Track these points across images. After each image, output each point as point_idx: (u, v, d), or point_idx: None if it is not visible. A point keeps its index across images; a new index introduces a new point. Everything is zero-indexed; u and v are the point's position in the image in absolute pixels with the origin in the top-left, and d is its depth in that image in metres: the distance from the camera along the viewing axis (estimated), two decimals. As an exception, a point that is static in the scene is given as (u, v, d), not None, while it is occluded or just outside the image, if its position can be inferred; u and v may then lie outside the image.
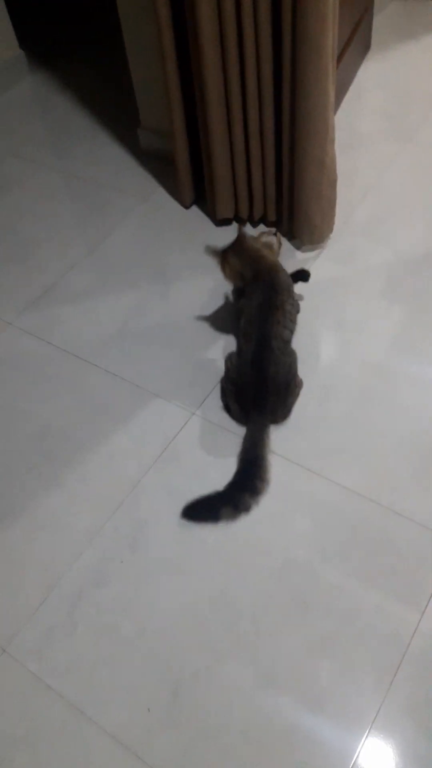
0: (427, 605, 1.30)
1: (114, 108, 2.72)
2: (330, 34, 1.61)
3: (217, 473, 1.52)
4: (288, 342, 1.62)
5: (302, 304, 1.78)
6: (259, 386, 1.54)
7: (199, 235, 2.15)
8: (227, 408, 1.64)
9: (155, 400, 1.70)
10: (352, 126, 2.47)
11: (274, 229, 1.92)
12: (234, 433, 1.60)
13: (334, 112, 2.45)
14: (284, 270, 1.71)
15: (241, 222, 2.15)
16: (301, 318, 1.74)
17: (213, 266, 1.75)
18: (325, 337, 1.80)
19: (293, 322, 1.65)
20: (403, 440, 1.56)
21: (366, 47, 2.81)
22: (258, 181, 2.02)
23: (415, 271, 1.93)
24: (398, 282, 1.91)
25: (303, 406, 1.64)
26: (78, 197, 2.36)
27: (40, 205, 2.35)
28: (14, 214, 2.33)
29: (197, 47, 1.73)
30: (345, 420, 1.61)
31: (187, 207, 2.25)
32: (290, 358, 1.61)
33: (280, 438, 1.58)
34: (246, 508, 1.44)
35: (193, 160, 2.13)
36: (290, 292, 1.67)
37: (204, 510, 1.46)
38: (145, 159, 2.45)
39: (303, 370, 1.65)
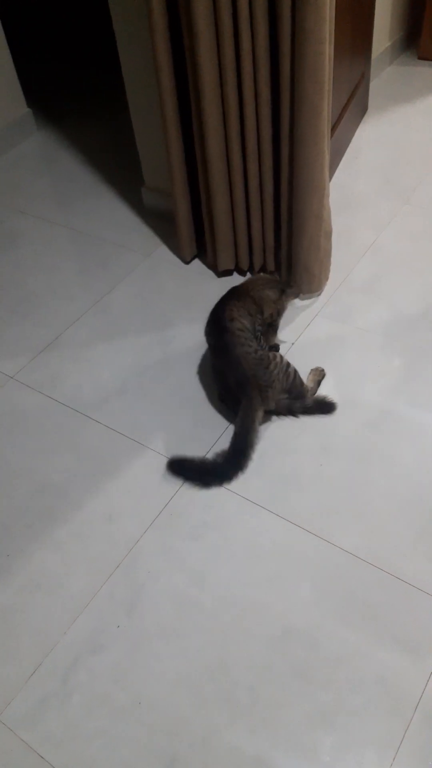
0: (430, 677, 1.27)
1: (119, 166, 2.80)
2: (326, 98, 1.66)
3: (216, 533, 1.51)
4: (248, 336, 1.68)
5: (300, 363, 1.80)
6: (232, 371, 1.64)
7: (201, 288, 2.19)
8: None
9: (154, 457, 1.70)
10: (350, 186, 2.54)
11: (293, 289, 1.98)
12: (234, 493, 1.59)
13: (333, 172, 2.56)
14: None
15: (241, 272, 2.20)
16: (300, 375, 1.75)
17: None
18: (323, 394, 1.81)
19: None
20: (404, 500, 1.55)
21: (363, 110, 2.91)
22: (257, 233, 2.07)
23: (413, 328, 1.95)
24: (396, 338, 1.93)
25: (302, 465, 1.63)
26: (82, 253, 2.41)
27: (44, 259, 2.40)
28: (19, 268, 2.37)
29: (199, 111, 1.79)
30: (345, 479, 1.61)
31: (187, 262, 2.29)
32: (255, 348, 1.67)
33: (279, 498, 1.57)
34: (228, 481, 1.61)
35: (193, 216, 2.18)
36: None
37: (189, 472, 1.65)
38: (148, 216, 2.51)
39: (302, 428, 1.65)
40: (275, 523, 1.53)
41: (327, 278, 2.11)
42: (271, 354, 1.68)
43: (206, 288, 2.19)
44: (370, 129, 2.87)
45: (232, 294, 1.80)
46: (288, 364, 1.69)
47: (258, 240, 2.09)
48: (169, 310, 2.14)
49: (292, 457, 1.67)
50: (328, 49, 1.60)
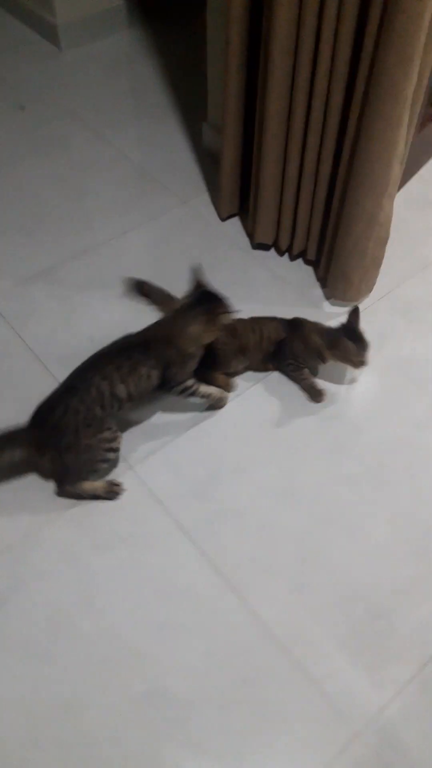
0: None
1: (191, 91, 2.46)
2: (412, 80, 1.32)
3: (127, 552, 1.31)
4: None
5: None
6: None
7: (228, 255, 1.91)
8: None
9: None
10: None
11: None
12: (167, 512, 1.37)
13: (422, 164, 2.16)
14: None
15: (279, 251, 1.90)
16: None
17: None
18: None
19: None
20: (351, 588, 1.30)
21: None
22: (305, 215, 1.76)
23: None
24: (421, 383, 1.62)
25: (256, 504, 1.40)
26: (118, 180, 2.14)
27: (77, 177, 2.14)
28: (48, 179, 2.12)
29: (267, 53, 1.47)
30: (297, 537, 1.36)
31: (223, 219, 2.00)
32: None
33: (215, 534, 1.34)
34: None
35: (241, 171, 1.88)
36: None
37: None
38: (203, 157, 2.20)
39: (276, 456, 1.40)
40: (197, 564, 1.31)
41: (369, 289, 1.79)
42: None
43: (234, 258, 1.90)
44: None
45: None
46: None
47: (304, 222, 1.78)
48: (184, 272, 1.86)
49: (249, 490, 1.43)
50: (424, 24, 1.23)
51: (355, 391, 1.61)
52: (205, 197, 2.08)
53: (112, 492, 1.41)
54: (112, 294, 1.78)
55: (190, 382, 1.45)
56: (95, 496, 1.40)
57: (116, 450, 1.39)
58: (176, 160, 2.20)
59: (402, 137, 1.42)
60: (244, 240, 1.96)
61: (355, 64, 1.38)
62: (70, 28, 2.61)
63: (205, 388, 1.49)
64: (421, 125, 1.94)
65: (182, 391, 1.44)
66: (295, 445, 1.51)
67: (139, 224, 1.99)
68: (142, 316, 1.49)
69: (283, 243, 1.86)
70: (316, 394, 1.57)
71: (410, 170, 2.11)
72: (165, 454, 1.48)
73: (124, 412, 1.41)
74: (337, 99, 1.46)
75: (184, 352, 1.40)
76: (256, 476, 1.45)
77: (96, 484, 1.41)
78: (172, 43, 2.73)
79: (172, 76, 2.56)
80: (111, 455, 1.38)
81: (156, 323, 1.46)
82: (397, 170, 1.49)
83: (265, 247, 1.94)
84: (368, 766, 1.10)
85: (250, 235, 1.93)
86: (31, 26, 2.73)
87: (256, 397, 1.59)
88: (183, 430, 1.52)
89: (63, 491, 1.40)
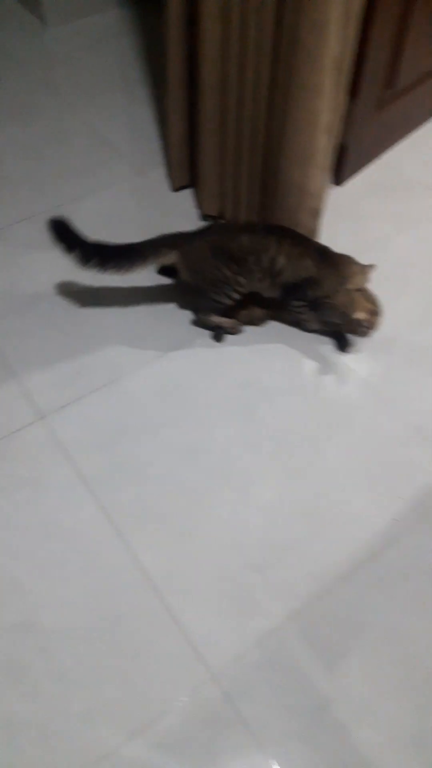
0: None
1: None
2: (328, 47, 1.33)
3: (23, 493, 1.36)
4: None
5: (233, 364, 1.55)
6: None
7: (176, 227, 1.93)
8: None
9: (17, 385, 1.54)
10: (402, 169, 2.15)
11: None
12: (69, 458, 1.42)
13: (391, 143, 2.17)
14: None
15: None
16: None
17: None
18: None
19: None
20: (232, 546, 1.33)
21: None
22: (245, 186, 1.78)
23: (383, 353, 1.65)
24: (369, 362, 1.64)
25: (160, 458, 1.43)
26: (80, 149, 2.18)
27: (37, 145, 2.19)
28: (8, 146, 2.18)
29: (199, 18, 1.50)
30: (194, 491, 1.40)
31: (175, 190, 2.04)
32: None
33: (113, 485, 1.39)
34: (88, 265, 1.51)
35: (191, 142, 1.91)
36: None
37: (69, 239, 1.52)
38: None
39: (184, 413, 1.44)
40: (89, 509, 1.36)
41: None
42: None
43: (183, 229, 1.93)
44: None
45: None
46: None
47: (245, 193, 1.80)
48: (130, 239, 1.91)
49: (153, 447, 1.47)
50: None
51: (270, 361, 1.64)
52: (162, 169, 2.12)
53: (235, 329, 1.65)
54: (55, 256, 1.83)
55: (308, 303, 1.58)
56: (220, 328, 1.64)
57: (233, 300, 1.57)
58: (141, 133, 2.25)
59: (325, 107, 1.44)
60: (195, 212, 2.00)
61: (280, 32, 1.40)
62: (57, 3, 2.67)
63: (310, 317, 1.64)
64: (378, 107, 1.95)
65: (300, 307, 1.60)
66: (208, 407, 1.54)
67: (93, 192, 2.04)
68: (80, 278, 1.54)
69: (228, 214, 1.89)
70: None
71: (369, 154, 2.12)
72: (79, 406, 1.53)
73: (257, 288, 1.56)
74: (266, 69, 1.48)
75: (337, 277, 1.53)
76: (164, 434, 1.49)
77: (223, 319, 1.63)
78: (158, 23, 2.76)
79: (154, 55, 2.60)
80: (228, 301, 1.57)
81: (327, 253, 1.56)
82: (323, 141, 1.51)
83: (212, 219, 1.97)
84: (215, 708, 1.13)
85: (199, 206, 1.96)
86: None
87: (177, 359, 1.63)
88: (101, 385, 1.57)
89: (196, 319, 1.67)
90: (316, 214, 1.70)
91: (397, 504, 1.39)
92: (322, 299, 1.55)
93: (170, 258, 1.54)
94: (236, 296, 1.58)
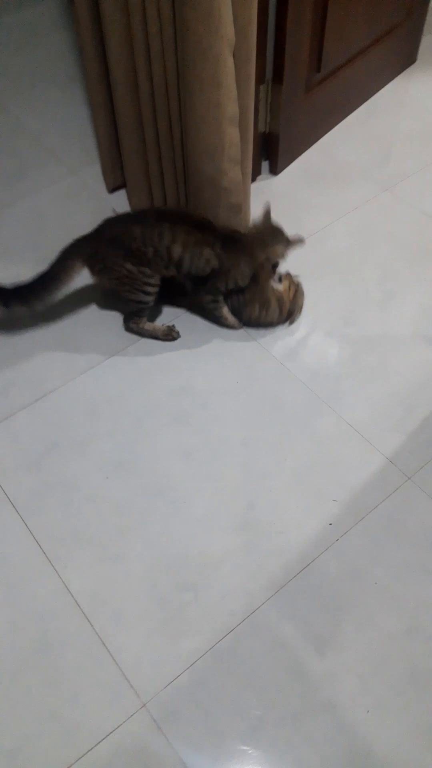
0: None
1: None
2: (219, 36, 1.26)
3: None
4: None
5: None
6: None
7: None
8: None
9: None
10: (336, 154, 2.09)
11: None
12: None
13: (328, 127, 2.10)
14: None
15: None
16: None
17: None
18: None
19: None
20: (161, 565, 1.30)
21: (406, 61, 2.37)
22: (171, 184, 1.72)
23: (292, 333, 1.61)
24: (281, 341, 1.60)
25: (88, 477, 1.39)
26: (9, 149, 2.11)
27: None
28: None
29: (102, 12, 1.43)
30: (124, 509, 1.36)
31: (109, 191, 1.98)
32: None
33: (42, 507, 1.35)
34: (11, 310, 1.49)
35: (117, 139, 1.84)
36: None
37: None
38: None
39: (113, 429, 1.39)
40: (18, 534, 1.32)
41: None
42: None
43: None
44: (406, 86, 2.34)
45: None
46: None
47: (172, 191, 1.74)
48: (61, 244, 1.84)
49: (84, 463, 1.42)
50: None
51: (204, 363, 1.60)
52: (97, 168, 2.05)
53: (170, 335, 1.59)
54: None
55: (220, 297, 1.54)
56: (154, 337, 1.60)
57: (152, 294, 1.51)
58: (74, 132, 2.17)
59: (227, 98, 1.36)
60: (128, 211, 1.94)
61: (175, 24, 1.33)
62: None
63: (227, 313, 1.59)
64: (306, 91, 1.88)
65: (212, 302, 1.55)
66: (140, 418, 1.50)
67: (23, 195, 1.97)
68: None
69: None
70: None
71: (303, 140, 2.05)
72: (6, 425, 1.48)
73: (165, 273, 1.50)
74: (171, 62, 1.41)
75: (249, 263, 1.47)
76: (95, 449, 1.45)
77: (156, 326, 1.59)
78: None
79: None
80: (146, 297, 1.51)
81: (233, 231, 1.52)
82: (231, 133, 1.44)
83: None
84: (147, 737, 1.11)
85: (131, 207, 1.90)
86: None
87: (109, 369, 1.58)
88: (30, 401, 1.52)
89: (127, 327, 1.61)
90: (236, 209, 1.62)
91: (331, 507, 1.36)
92: (235, 292, 1.51)
93: (79, 268, 1.48)
94: (150, 289, 1.51)
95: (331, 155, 2.08)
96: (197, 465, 1.42)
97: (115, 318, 1.66)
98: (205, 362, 1.60)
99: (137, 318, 1.59)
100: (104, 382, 1.56)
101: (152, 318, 1.66)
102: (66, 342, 1.62)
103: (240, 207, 1.61)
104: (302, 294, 1.65)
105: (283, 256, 1.50)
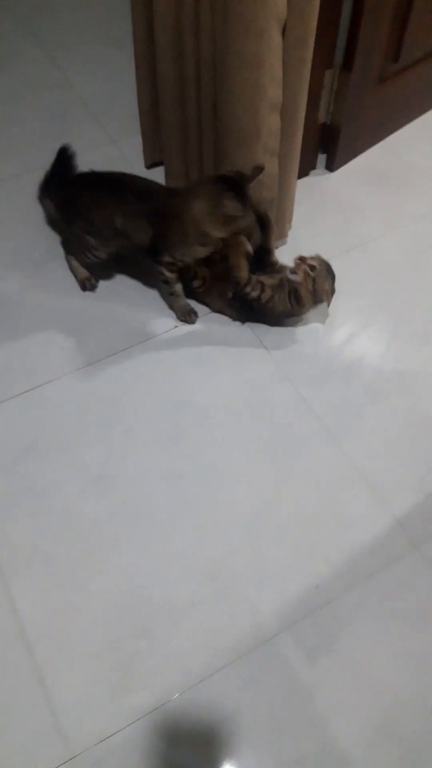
0: None
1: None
2: (266, 10, 1.07)
3: None
4: None
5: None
6: None
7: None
8: None
9: None
10: (401, 154, 1.86)
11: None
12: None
13: (393, 127, 1.86)
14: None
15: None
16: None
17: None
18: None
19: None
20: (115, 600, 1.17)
21: None
22: (210, 167, 1.54)
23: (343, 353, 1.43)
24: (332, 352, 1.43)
25: (63, 489, 1.27)
26: (53, 109, 1.96)
27: (8, 101, 1.98)
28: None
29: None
30: (98, 525, 1.24)
31: (147, 167, 1.81)
32: None
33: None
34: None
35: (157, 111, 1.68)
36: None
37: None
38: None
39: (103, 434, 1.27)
40: None
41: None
42: None
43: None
44: None
45: None
46: None
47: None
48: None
49: (62, 470, 1.30)
50: None
51: (209, 375, 1.44)
52: (137, 140, 1.88)
53: (83, 283, 1.53)
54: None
55: (169, 275, 1.40)
56: (75, 277, 1.54)
57: (96, 258, 1.45)
58: (121, 98, 1.99)
59: (269, 80, 1.17)
60: (164, 191, 1.77)
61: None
62: None
63: (179, 288, 1.45)
64: (379, 82, 1.65)
65: (162, 281, 1.43)
66: (131, 428, 1.36)
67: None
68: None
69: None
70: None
71: (369, 137, 1.83)
72: (-12, 415, 1.37)
73: (114, 245, 1.42)
74: (221, 35, 1.23)
75: (182, 229, 1.29)
76: (76, 456, 1.32)
77: (81, 269, 1.53)
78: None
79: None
80: (91, 258, 1.45)
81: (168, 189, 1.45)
82: (269, 119, 1.25)
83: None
84: (68, 796, 1.00)
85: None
86: None
87: (108, 368, 1.44)
88: (18, 392, 1.40)
89: (64, 248, 1.55)
90: (270, 204, 1.44)
91: (321, 567, 1.20)
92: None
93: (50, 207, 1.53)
94: (93, 258, 1.45)
95: (397, 156, 1.85)
96: (183, 493, 1.28)
97: (124, 314, 1.52)
98: (214, 375, 1.44)
99: (73, 254, 1.53)
100: (100, 382, 1.42)
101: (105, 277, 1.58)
102: (70, 334, 1.49)
103: (274, 201, 1.43)
104: (325, 277, 1.41)
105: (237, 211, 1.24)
